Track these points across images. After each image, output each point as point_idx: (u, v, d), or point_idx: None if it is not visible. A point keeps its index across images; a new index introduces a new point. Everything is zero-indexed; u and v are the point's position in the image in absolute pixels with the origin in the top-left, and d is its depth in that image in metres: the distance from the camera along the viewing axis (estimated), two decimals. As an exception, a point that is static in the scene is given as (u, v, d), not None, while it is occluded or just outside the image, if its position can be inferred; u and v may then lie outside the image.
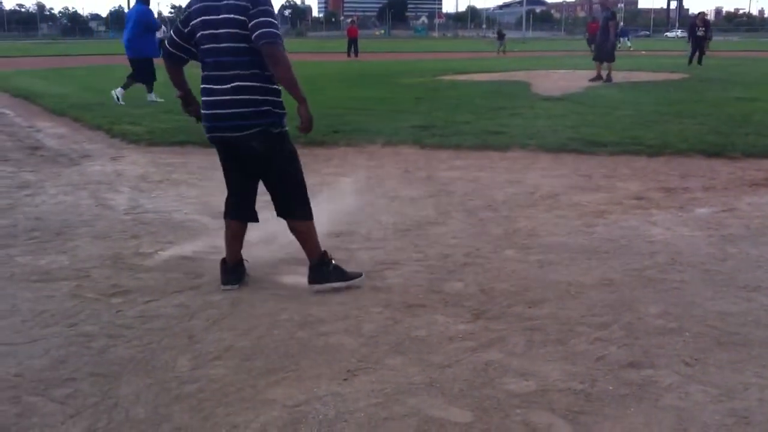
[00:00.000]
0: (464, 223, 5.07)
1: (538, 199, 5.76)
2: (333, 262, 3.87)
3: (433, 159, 7.33)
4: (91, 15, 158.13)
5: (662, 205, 5.43)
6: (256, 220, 3.98)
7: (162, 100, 11.78)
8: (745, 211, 5.22)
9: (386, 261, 4.24)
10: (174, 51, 3.73)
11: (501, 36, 42.77)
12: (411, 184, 6.33)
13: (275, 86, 3.66)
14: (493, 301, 3.58)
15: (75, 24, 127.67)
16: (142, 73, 12.03)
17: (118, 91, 11.94)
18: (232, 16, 3.49)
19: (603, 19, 17.07)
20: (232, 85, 3.54)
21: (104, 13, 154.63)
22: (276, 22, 3.52)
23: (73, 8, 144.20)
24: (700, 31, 23.24)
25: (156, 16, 13.32)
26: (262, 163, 3.75)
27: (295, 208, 3.86)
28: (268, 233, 4.47)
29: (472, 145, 7.75)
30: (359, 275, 3.89)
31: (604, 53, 16.41)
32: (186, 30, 3.66)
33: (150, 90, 12.21)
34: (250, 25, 3.45)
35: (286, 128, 3.81)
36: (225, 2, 3.50)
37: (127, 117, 9.95)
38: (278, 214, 3.91)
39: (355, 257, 4.31)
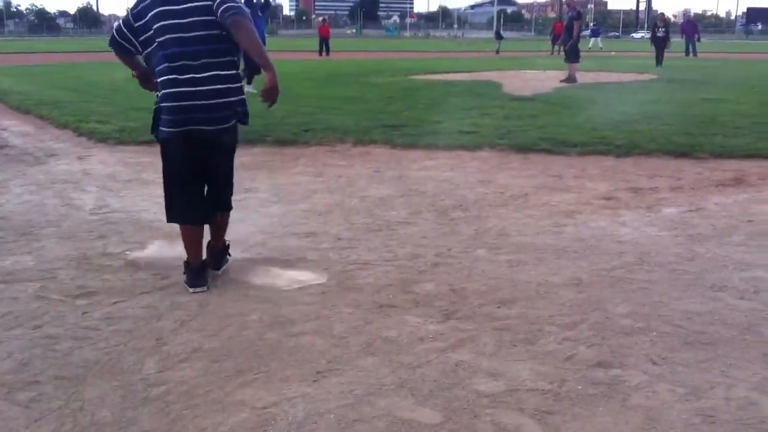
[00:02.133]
0: (435, 223, 5.08)
1: (508, 198, 5.78)
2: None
3: (404, 158, 7.33)
4: (59, 12, 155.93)
5: (630, 205, 5.48)
6: (213, 218, 3.93)
7: (254, 91, 11.41)
8: (712, 211, 5.29)
9: (357, 261, 4.23)
10: (122, 42, 3.68)
11: (499, 36, 43.52)
12: (382, 183, 6.32)
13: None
14: (464, 301, 3.58)
15: (42, 21, 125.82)
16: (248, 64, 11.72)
17: (246, 86, 11.73)
18: (197, 3, 3.46)
19: (568, 18, 17.16)
20: (209, 74, 3.49)
21: (72, 10, 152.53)
22: (241, 2, 3.50)
23: (40, 5, 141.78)
24: (660, 31, 23.42)
25: None
26: (224, 156, 3.78)
27: (230, 199, 4.00)
28: (238, 234, 4.45)
29: (444, 145, 7.76)
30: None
31: (568, 54, 16.51)
32: (137, 24, 3.59)
33: (248, 81, 11.94)
34: (214, 6, 3.43)
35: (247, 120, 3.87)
36: None
37: (95, 115, 9.82)
38: (218, 208, 3.93)
39: (326, 257, 4.30)
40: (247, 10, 3.50)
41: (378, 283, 3.86)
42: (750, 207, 5.40)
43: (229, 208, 4.00)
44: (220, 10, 3.42)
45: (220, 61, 3.52)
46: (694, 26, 32.26)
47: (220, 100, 3.55)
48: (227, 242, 4.08)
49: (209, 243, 3.99)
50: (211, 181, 3.83)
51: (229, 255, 4.07)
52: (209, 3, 3.45)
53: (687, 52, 29.63)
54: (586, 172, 6.65)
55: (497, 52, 38.97)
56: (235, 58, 3.61)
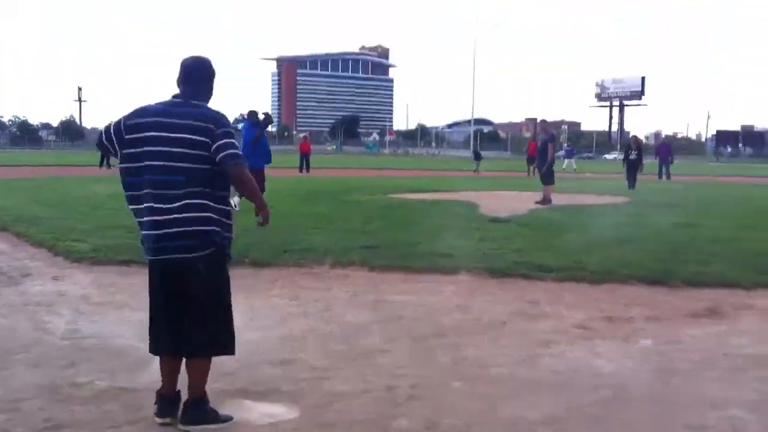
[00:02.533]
0: (411, 351, 5.04)
1: (485, 326, 5.77)
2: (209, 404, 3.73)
3: (382, 282, 7.33)
4: (42, 124, 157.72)
5: (607, 336, 5.48)
6: (191, 351, 3.70)
7: (237, 209, 11.84)
8: (688, 344, 5.29)
9: (332, 393, 4.16)
10: (107, 144, 3.72)
11: (477, 156, 43.88)
12: (359, 308, 6.30)
13: (226, 207, 3.66)
14: (439, 439, 3.52)
15: (25, 133, 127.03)
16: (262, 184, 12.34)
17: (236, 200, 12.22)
18: (192, 136, 3.51)
19: (542, 141, 17.59)
20: (183, 203, 3.50)
21: (55, 123, 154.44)
22: (237, 142, 3.60)
23: (23, 116, 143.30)
24: (632, 154, 23.93)
25: None
26: (202, 289, 3.62)
27: (205, 343, 3.69)
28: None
29: (421, 268, 7.79)
30: (230, 419, 3.73)
31: (543, 176, 16.84)
32: (127, 137, 3.61)
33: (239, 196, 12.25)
34: (214, 146, 3.49)
35: (230, 254, 3.79)
36: (185, 122, 3.52)
37: (73, 233, 9.78)
38: (187, 350, 3.68)
39: (300, 388, 4.23)
40: (240, 150, 3.59)
41: (352, 418, 3.79)
42: (725, 339, 5.42)
43: (201, 353, 3.69)
44: (220, 155, 3.50)
45: (200, 191, 3.54)
46: (668, 149, 33.18)
47: (190, 228, 3.53)
48: (204, 398, 3.71)
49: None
50: (194, 316, 3.65)
51: (206, 411, 3.70)
52: (206, 140, 3.51)
53: (660, 175, 30.35)
54: (562, 298, 6.68)
55: (476, 171, 39.57)
56: (210, 190, 3.59)
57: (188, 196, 3.51)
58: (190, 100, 3.64)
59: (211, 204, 3.57)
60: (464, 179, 29.85)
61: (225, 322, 3.74)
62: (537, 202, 16.11)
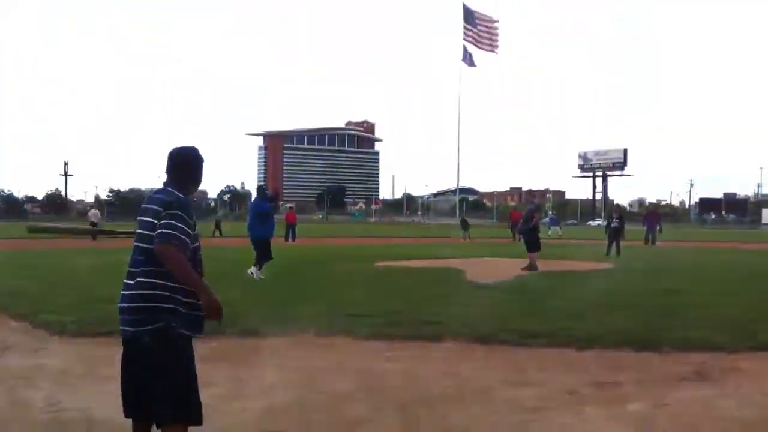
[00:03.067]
0: (397, 422, 4.96)
1: (472, 393, 5.71)
2: None
3: (367, 350, 7.27)
4: (27, 197, 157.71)
5: (594, 401, 5.43)
6: (156, 418, 3.75)
7: (263, 277, 13.53)
8: (676, 407, 5.25)
9: (316, 464, 4.07)
10: None
11: (465, 224, 43.99)
12: (344, 378, 6.22)
13: (179, 285, 3.68)
14: None
15: (9, 206, 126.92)
16: (260, 251, 14.11)
17: (254, 270, 13.83)
18: (151, 219, 3.72)
19: (528, 210, 17.85)
20: (137, 280, 3.68)
21: (40, 196, 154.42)
22: (181, 225, 3.68)
23: (8, 190, 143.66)
24: (614, 222, 24.24)
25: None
26: (153, 361, 3.67)
27: (184, 408, 3.73)
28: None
29: (407, 335, 7.74)
30: None
31: (528, 243, 16.97)
32: None
33: (258, 266, 13.94)
34: (156, 226, 3.66)
35: (188, 334, 3.78)
36: (151, 206, 3.77)
37: (54, 306, 9.66)
38: (157, 415, 3.72)
39: (284, 460, 4.14)
40: (178, 233, 3.65)
41: (337, 489, 3.70)
42: (713, 402, 5.38)
43: (165, 419, 3.71)
44: (154, 234, 3.65)
45: (152, 270, 3.67)
46: (657, 217, 33.63)
47: (142, 304, 3.65)
48: None
49: None
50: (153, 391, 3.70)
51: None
52: (153, 221, 3.70)
53: (646, 240, 30.60)
54: (549, 364, 6.62)
55: (465, 239, 39.72)
56: (161, 268, 3.64)
57: (143, 275, 3.69)
58: (166, 187, 3.87)
59: (161, 282, 3.66)
60: (450, 247, 29.88)
61: (181, 391, 3.73)
62: (523, 269, 16.16)
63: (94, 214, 38.37)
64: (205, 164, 4.04)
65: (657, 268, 17.46)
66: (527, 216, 17.56)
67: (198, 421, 3.79)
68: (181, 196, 3.81)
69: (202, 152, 4.04)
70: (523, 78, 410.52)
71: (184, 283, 3.66)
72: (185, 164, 3.94)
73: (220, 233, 45.27)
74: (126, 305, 3.71)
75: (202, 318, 3.78)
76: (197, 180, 4.00)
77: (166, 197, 3.78)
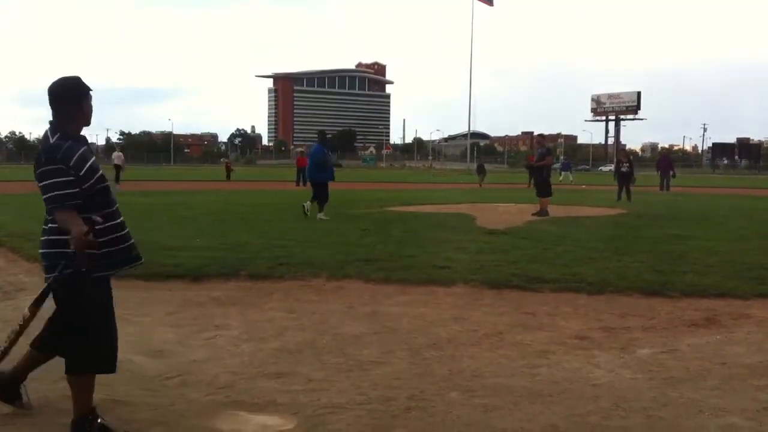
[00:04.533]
0: (408, 363, 5.01)
1: (482, 337, 5.74)
2: (100, 421, 3.65)
3: (378, 294, 7.31)
4: (38, 140, 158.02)
5: (604, 346, 5.46)
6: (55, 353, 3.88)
7: (328, 218, 14.72)
8: (685, 353, 5.28)
9: (328, 405, 4.13)
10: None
11: (481, 169, 42.81)
12: (355, 320, 6.28)
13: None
14: (437, 450, 3.49)
15: (21, 149, 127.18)
16: (318, 194, 15.28)
17: (307, 204, 15.32)
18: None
19: (538, 155, 17.72)
20: (44, 227, 3.70)
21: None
22: (56, 180, 3.50)
23: (19, 132, 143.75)
24: (624, 166, 23.93)
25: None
26: (63, 306, 3.72)
27: (90, 357, 3.70)
28: (207, 374, 4.35)
29: (417, 280, 7.77)
30: None
31: (539, 189, 16.93)
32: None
33: (320, 209, 15.10)
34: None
35: (92, 274, 3.61)
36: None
37: (68, 247, 9.75)
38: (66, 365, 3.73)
39: (296, 400, 4.20)
40: (54, 191, 3.51)
41: (348, 429, 3.77)
42: (722, 349, 5.40)
43: (69, 370, 3.69)
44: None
45: (50, 218, 3.63)
46: (669, 162, 33.31)
47: (46, 250, 3.69)
48: (82, 420, 3.64)
49: None
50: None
51: None
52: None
53: (662, 187, 30.42)
54: (559, 309, 6.66)
55: (480, 184, 39.20)
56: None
57: (46, 222, 3.69)
58: (48, 129, 3.67)
59: (55, 227, 3.57)
60: (460, 192, 29.84)
61: (90, 340, 3.69)
62: (534, 214, 16.15)
63: (117, 156, 37.32)
64: (88, 96, 3.71)
65: (668, 213, 17.40)
66: (538, 160, 17.47)
67: (107, 369, 3.74)
68: (54, 140, 3.57)
69: (79, 83, 3.70)
70: (537, 18, 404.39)
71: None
72: (58, 99, 3.64)
73: (228, 177, 45.17)
74: (39, 251, 3.73)
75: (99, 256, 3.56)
76: (78, 115, 3.68)
77: (42, 147, 3.61)
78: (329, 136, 17.14)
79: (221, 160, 69.51)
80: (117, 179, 34.94)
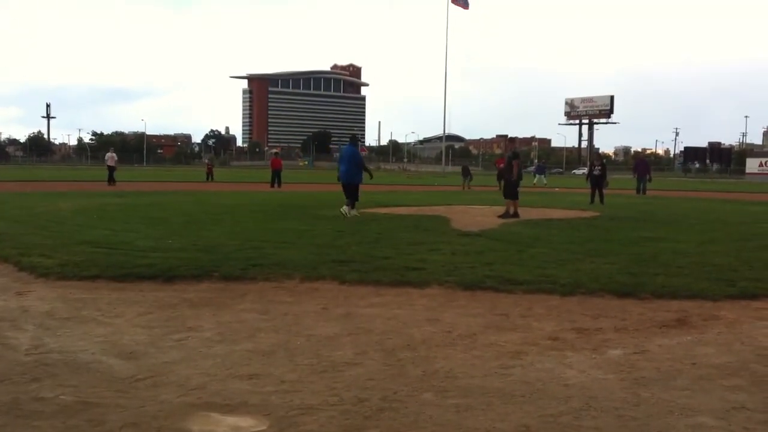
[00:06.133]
0: (382, 364, 5.00)
1: (456, 338, 5.75)
2: None
3: (352, 295, 7.30)
4: (9, 140, 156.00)
5: (576, 347, 5.49)
6: None
7: (358, 214, 15.99)
8: (656, 353, 5.32)
9: (301, 406, 4.11)
10: None
11: (466, 172, 41.58)
12: (329, 321, 6.26)
13: None
14: (409, 450, 3.49)
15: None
16: (353, 195, 16.29)
17: (346, 209, 15.91)
18: None
19: (507, 158, 17.78)
20: None
21: (23, 138, 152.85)
22: None
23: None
24: (596, 170, 24.05)
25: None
26: None
27: None
28: (179, 376, 4.30)
29: (392, 281, 7.77)
30: None
31: (508, 191, 16.95)
32: None
33: (352, 206, 16.13)
34: None
35: None
36: None
37: (38, 248, 9.64)
38: None
39: (269, 401, 4.17)
40: None
41: (321, 430, 3.75)
42: (693, 349, 5.46)
43: None
44: None
45: None
46: (647, 166, 33.53)
47: None
48: None
49: None
50: None
51: None
52: None
53: (638, 191, 30.68)
54: (532, 311, 6.69)
55: (464, 188, 38.18)
56: None
57: None
58: None
59: None
60: (435, 194, 29.91)
61: None
62: (499, 216, 16.18)
63: (110, 156, 36.93)
64: None
65: (640, 216, 17.58)
66: (507, 163, 17.46)
67: None
68: None
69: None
70: (512, 22, 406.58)
71: None
72: None
73: (211, 179, 44.70)
74: None
75: None
76: None
77: None
78: (360, 143, 17.84)
79: (204, 160, 68.67)
80: (111, 180, 34.48)
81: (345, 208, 15.86)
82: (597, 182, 23.52)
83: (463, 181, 39.94)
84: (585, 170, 51.91)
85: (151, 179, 46.60)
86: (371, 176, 17.31)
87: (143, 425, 3.78)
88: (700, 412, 4.07)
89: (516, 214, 16.29)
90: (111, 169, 35.55)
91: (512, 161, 17.04)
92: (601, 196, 23.04)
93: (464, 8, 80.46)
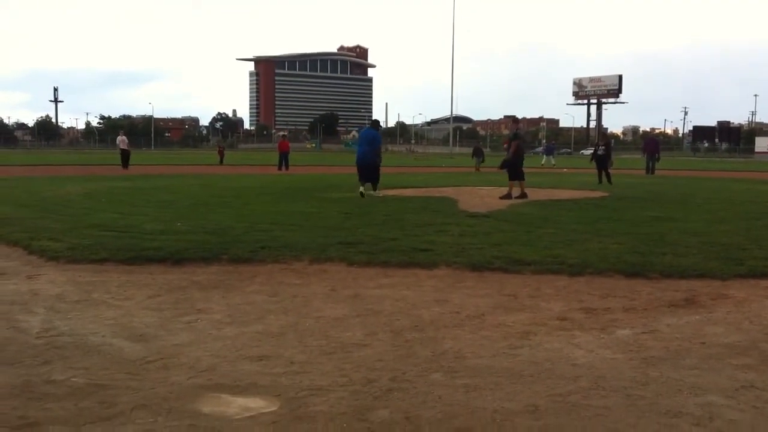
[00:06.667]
0: (390, 345, 5.02)
1: (464, 319, 5.76)
2: None
3: (361, 277, 7.32)
4: (17, 124, 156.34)
5: (585, 326, 5.50)
6: None
7: (382, 194, 16.60)
8: (665, 333, 5.32)
9: (310, 387, 4.13)
10: None
11: (479, 152, 41.35)
12: (337, 303, 6.28)
13: None
14: (419, 430, 3.51)
15: (0, 134, 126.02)
16: (373, 176, 16.77)
17: (373, 192, 16.53)
18: None
19: (508, 138, 17.76)
20: None
21: (31, 123, 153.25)
22: None
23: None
24: (600, 150, 23.81)
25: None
26: None
27: None
28: (189, 358, 4.33)
29: (400, 263, 7.78)
30: None
31: (512, 172, 16.87)
32: None
33: (375, 188, 16.78)
34: None
35: None
36: None
37: (47, 232, 9.69)
38: None
39: (278, 382, 4.20)
40: None
41: (331, 410, 3.77)
42: (702, 328, 5.45)
43: None
44: None
45: None
46: (656, 145, 33.26)
47: None
48: None
49: None
50: None
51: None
52: None
53: (647, 170, 30.48)
54: (541, 291, 6.69)
55: (477, 169, 37.98)
56: None
57: None
58: None
59: None
60: (443, 175, 29.85)
61: None
62: (501, 197, 16.14)
63: (121, 140, 36.74)
64: None
65: (649, 196, 17.52)
66: (508, 146, 17.39)
67: None
68: None
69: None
70: (520, 2, 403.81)
71: None
72: None
73: (222, 162, 44.67)
74: None
75: None
76: None
77: None
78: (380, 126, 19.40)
79: (215, 142, 68.75)
80: (126, 164, 34.26)
81: (362, 189, 16.33)
82: (601, 162, 23.34)
83: (476, 162, 39.54)
84: (590, 150, 51.79)
85: (159, 162, 46.67)
86: (380, 161, 17.54)
87: (154, 407, 3.81)
88: (709, 391, 4.08)
89: (523, 195, 16.24)
90: (124, 152, 35.38)
91: (511, 141, 17.06)
92: (608, 176, 22.89)
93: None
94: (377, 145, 17.37)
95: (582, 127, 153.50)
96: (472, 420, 3.63)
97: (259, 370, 4.43)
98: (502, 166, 17.38)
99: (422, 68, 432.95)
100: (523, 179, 16.81)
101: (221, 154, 46.46)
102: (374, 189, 16.69)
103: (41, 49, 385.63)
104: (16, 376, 4.31)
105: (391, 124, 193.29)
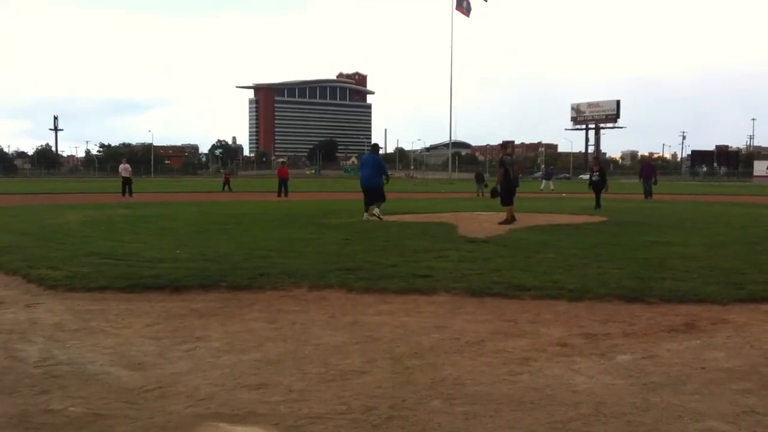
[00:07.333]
0: (390, 372, 5.00)
1: (464, 345, 5.74)
2: None
3: (360, 303, 7.30)
4: (17, 152, 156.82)
5: (585, 352, 5.48)
6: None
7: (383, 218, 16.89)
8: (665, 358, 5.31)
9: (309, 415, 4.11)
10: None
11: (480, 178, 41.37)
12: (336, 330, 6.26)
13: None
14: (418, 458, 3.48)
15: (0, 162, 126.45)
16: (380, 197, 17.39)
17: (376, 212, 17.04)
18: None
19: (498, 163, 17.82)
20: None
21: (31, 151, 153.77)
22: None
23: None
24: (594, 175, 24.02)
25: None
26: None
27: None
28: (187, 387, 4.31)
29: (399, 289, 7.77)
30: None
31: (502, 198, 16.90)
32: None
33: (378, 209, 17.20)
34: None
35: None
36: None
37: (46, 260, 9.68)
38: None
39: (277, 411, 4.18)
40: None
41: (330, 439, 3.75)
42: (702, 353, 5.44)
43: None
44: None
45: None
46: (652, 169, 33.37)
47: None
48: None
49: None
50: None
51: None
52: None
53: (646, 195, 30.54)
54: (540, 316, 6.68)
55: (479, 194, 37.39)
56: None
57: None
58: None
59: None
60: (442, 201, 29.88)
61: None
62: (500, 223, 16.17)
63: (124, 168, 36.67)
64: None
65: (648, 221, 17.53)
66: (498, 173, 17.40)
67: None
68: None
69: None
70: (519, 29, 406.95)
71: None
72: None
73: (228, 188, 44.56)
74: None
75: None
76: None
77: None
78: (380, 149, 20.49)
79: (214, 170, 69.05)
80: (129, 191, 34.27)
81: (366, 215, 17.08)
82: (596, 187, 23.57)
83: (478, 188, 39.42)
84: (587, 176, 52.03)
85: (159, 190, 46.75)
86: (388, 180, 18.19)
87: (152, 436, 3.79)
88: (710, 416, 4.06)
89: (509, 220, 16.26)
90: (126, 180, 35.36)
91: (498, 168, 17.13)
92: (598, 200, 23.07)
93: (466, 16, 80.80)
94: (384, 170, 18.04)
95: (580, 152, 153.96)
96: (472, 448, 3.61)
97: (257, 399, 4.41)
98: (493, 195, 17.50)
99: (421, 95, 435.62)
100: (511, 204, 16.83)
101: (227, 181, 46.20)
102: (378, 206, 17.15)
103: (42, 78, 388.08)
104: (13, 405, 4.29)
105: (390, 150, 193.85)
